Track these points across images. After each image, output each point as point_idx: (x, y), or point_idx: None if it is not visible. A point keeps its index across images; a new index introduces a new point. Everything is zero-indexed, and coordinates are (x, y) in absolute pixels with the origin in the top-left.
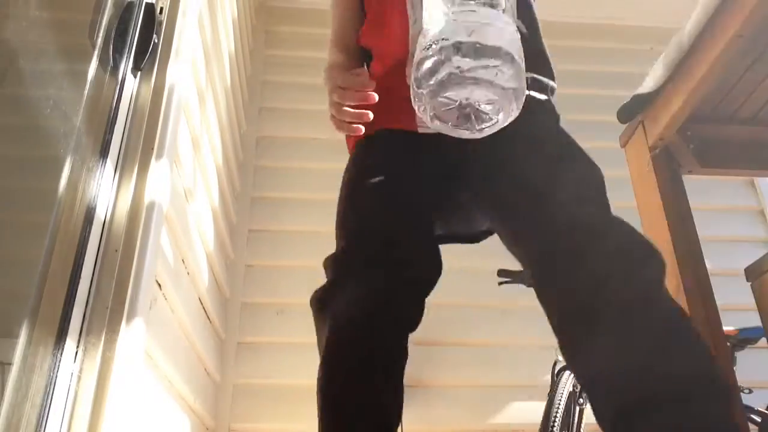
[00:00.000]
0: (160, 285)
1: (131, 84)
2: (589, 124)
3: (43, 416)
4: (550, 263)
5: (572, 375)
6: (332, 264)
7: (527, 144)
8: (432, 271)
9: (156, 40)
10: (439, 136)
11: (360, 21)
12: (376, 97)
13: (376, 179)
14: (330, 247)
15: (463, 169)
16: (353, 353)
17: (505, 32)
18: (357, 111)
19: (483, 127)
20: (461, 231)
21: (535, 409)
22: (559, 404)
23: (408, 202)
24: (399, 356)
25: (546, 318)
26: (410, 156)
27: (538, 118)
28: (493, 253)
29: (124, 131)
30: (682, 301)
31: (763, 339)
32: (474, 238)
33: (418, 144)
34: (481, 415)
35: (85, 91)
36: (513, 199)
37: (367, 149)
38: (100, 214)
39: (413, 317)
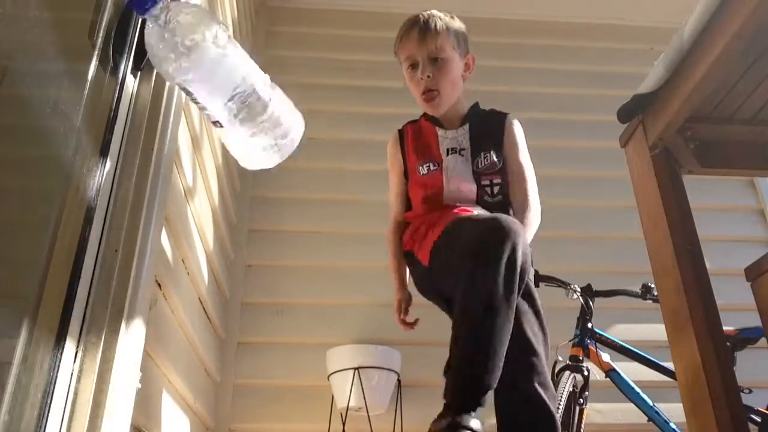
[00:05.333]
0: (160, 285)
1: (131, 84)
2: (589, 124)
3: (43, 416)
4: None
5: (572, 375)
6: None
7: None
8: None
9: None
10: None
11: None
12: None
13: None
14: (329, 246)
15: None
16: None
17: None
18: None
19: None
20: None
21: None
22: (559, 404)
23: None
24: None
25: (547, 318)
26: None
27: None
28: None
29: (124, 131)
30: (682, 301)
31: (763, 339)
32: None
33: None
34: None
35: (85, 91)
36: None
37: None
38: (100, 214)
39: None
